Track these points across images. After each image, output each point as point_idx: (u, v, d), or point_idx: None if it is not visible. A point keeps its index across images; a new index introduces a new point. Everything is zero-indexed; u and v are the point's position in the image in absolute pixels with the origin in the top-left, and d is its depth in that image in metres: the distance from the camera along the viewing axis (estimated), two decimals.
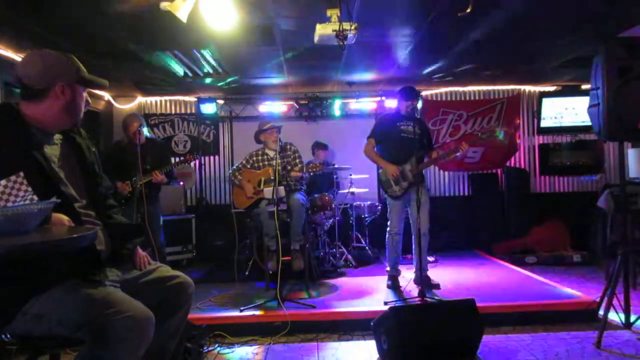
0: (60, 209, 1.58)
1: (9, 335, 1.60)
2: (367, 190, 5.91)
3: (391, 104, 6.45)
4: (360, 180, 5.74)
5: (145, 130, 4.38)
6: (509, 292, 4.09)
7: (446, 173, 6.99)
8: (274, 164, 3.96)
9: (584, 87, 6.46)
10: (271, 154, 4.58)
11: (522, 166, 6.91)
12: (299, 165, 4.44)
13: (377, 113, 6.76)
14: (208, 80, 5.79)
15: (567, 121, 6.74)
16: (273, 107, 6.66)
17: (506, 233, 6.24)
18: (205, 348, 3.13)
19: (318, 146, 6.08)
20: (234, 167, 4.86)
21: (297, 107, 6.59)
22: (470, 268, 5.24)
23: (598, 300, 3.52)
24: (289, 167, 4.45)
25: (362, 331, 3.45)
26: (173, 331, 1.98)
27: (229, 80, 5.78)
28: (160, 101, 6.93)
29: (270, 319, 3.53)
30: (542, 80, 6.57)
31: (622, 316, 3.31)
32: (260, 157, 4.71)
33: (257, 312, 3.61)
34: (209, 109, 6.50)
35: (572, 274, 5.16)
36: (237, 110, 6.88)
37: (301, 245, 4.33)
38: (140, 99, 6.85)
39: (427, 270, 4.28)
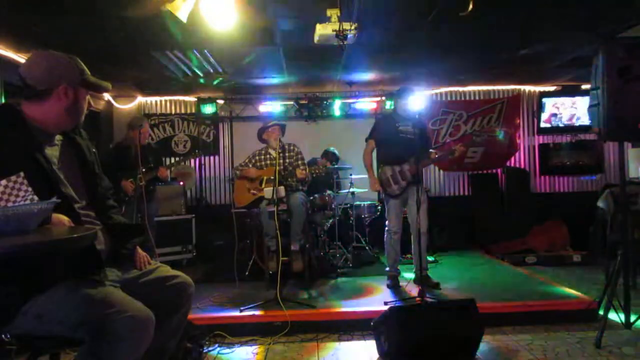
0: (60, 210, 1.58)
1: (9, 335, 1.60)
2: (367, 190, 5.90)
3: (391, 104, 6.45)
4: (360, 180, 5.74)
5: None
6: (509, 292, 4.09)
7: (446, 173, 6.99)
8: (276, 163, 3.96)
9: (584, 87, 6.46)
10: (274, 153, 4.57)
11: (522, 166, 6.91)
12: (302, 167, 4.43)
13: (377, 113, 6.77)
14: (214, 82, 5.80)
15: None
16: (273, 107, 6.67)
17: (506, 233, 6.24)
18: (205, 348, 3.13)
19: (327, 155, 6.07)
20: (236, 166, 4.85)
21: (297, 107, 6.58)
22: (470, 268, 5.24)
23: (598, 300, 3.53)
24: (290, 168, 4.45)
25: (362, 331, 3.45)
26: (173, 331, 1.98)
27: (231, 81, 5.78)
28: (160, 101, 6.93)
29: (270, 319, 3.53)
30: (542, 80, 6.58)
31: (622, 316, 3.31)
32: (263, 157, 4.70)
33: (257, 312, 3.61)
34: (209, 109, 6.50)
35: (572, 274, 5.16)
36: (237, 110, 6.88)
37: (301, 245, 4.33)
38: (140, 99, 6.85)
39: (427, 270, 4.28)
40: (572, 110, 6.72)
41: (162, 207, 5.58)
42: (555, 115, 6.73)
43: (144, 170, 4.14)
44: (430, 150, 4.54)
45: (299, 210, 4.27)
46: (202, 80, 5.72)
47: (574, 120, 6.73)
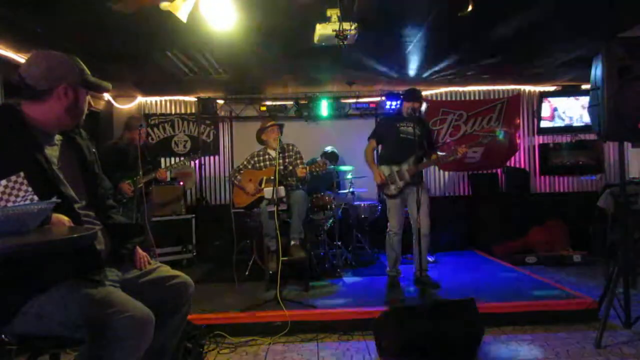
0: (60, 210, 1.58)
1: (9, 335, 1.61)
2: (367, 190, 5.91)
3: (391, 104, 6.47)
4: (360, 180, 5.75)
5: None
6: (509, 292, 4.09)
7: (446, 173, 6.99)
8: (276, 163, 3.97)
9: (584, 87, 6.47)
10: (273, 153, 4.58)
11: (522, 166, 6.91)
12: (301, 166, 4.44)
13: (377, 113, 6.77)
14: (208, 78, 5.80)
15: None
16: (273, 107, 6.66)
17: (506, 233, 6.23)
18: (205, 348, 3.13)
19: (326, 155, 6.05)
20: (235, 167, 4.86)
21: (297, 107, 6.59)
22: (470, 268, 5.24)
23: (598, 300, 3.53)
24: (291, 167, 4.45)
25: (362, 331, 3.45)
26: (173, 331, 1.98)
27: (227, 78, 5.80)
28: (160, 101, 6.93)
29: (270, 319, 3.53)
30: (542, 80, 6.57)
31: (622, 316, 3.31)
32: (262, 157, 4.71)
33: (257, 312, 3.61)
34: (209, 109, 6.50)
35: (572, 274, 5.16)
36: (237, 110, 6.88)
37: (301, 239, 4.32)
38: (140, 99, 6.85)
39: (427, 270, 4.28)
40: (572, 109, 6.73)
41: (162, 207, 5.59)
42: (555, 109, 6.74)
43: (141, 173, 4.12)
44: (438, 153, 4.52)
45: (300, 206, 4.27)
46: (202, 78, 5.72)
47: (573, 121, 6.74)
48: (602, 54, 3.15)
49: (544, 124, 6.76)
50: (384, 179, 4.21)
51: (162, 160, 6.78)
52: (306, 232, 4.48)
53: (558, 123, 6.77)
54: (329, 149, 6.16)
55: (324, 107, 6.50)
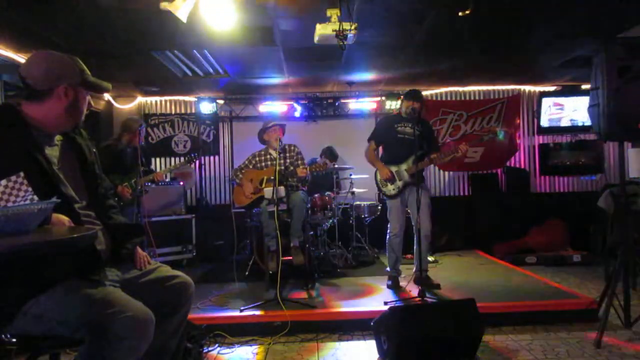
0: (60, 210, 1.58)
1: (9, 335, 1.60)
2: (367, 190, 5.91)
3: (391, 104, 6.47)
4: (360, 181, 5.75)
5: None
6: (509, 292, 4.09)
7: (446, 173, 6.99)
8: (276, 163, 3.97)
9: (584, 87, 6.46)
10: (274, 153, 4.58)
11: (522, 166, 6.91)
12: (302, 166, 4.45)
13: (377, 113, 6.77)
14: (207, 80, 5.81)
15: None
16: (273, 107, 6.67)
17: (506, 233, 6.24)
18: (205, 348, 3.13)
19: (326, 152, 6.07)
20: (236, 167, 4.86)
21: (297, 107, 6.59)
22: (470, 268, 5.24)
23: (598, 300, 3.53)
24: (292, 168, 4.45)
25: (362, 331, 3.45)
26: (173, 331, 1.98)
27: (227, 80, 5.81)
28: (160, 101, 6.93)
29: (270, 319, 3.52)
30: (542, 80, 6.58)
31: (622, 316, 3.31)
32: (263, 157, 4.72)
33: (257, 312, 3.61)
34: (209, 109, 6.51)
35: (572, 274, 5.16)
36: (237, 110, 6.88)
37: (300, 242, 4.33)
38: (140, 99, 6.86)
39: (427, 270, 4.28)
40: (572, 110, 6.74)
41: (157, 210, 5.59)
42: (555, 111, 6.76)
43: (141, 175, 4.12)
44: (439, 147, 4.50)
45: (300, 208, 4.28)
46: (201, 79, 5.72)
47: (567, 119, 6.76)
48: (602, 54, 3.15)
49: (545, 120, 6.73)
50: (391, 174, 4.21)
51: (162, 160, 6.82)
52: (306, 232, 4.48)
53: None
54: (326, 146, 6.17)
55: (324, 107, 6.53)
